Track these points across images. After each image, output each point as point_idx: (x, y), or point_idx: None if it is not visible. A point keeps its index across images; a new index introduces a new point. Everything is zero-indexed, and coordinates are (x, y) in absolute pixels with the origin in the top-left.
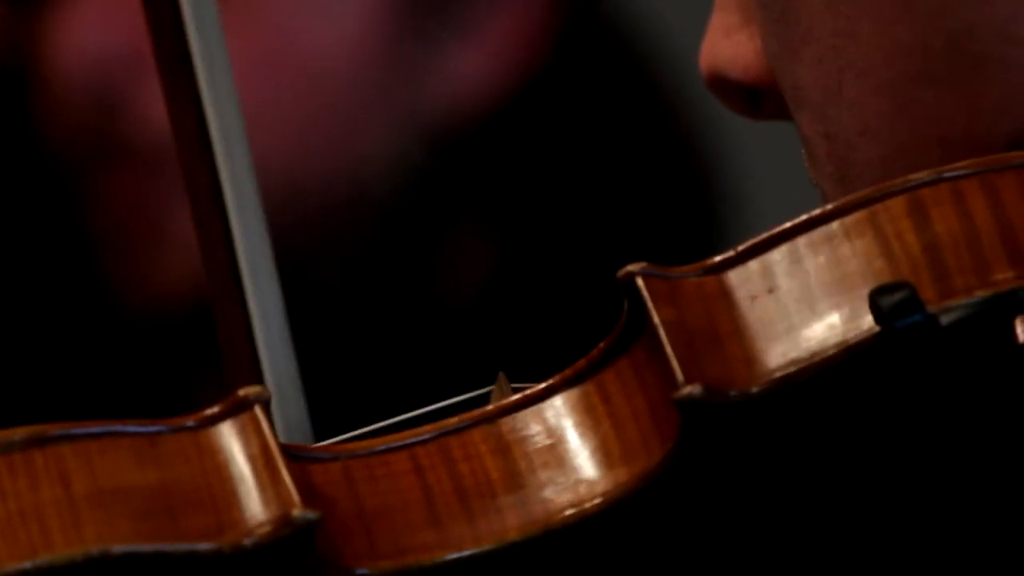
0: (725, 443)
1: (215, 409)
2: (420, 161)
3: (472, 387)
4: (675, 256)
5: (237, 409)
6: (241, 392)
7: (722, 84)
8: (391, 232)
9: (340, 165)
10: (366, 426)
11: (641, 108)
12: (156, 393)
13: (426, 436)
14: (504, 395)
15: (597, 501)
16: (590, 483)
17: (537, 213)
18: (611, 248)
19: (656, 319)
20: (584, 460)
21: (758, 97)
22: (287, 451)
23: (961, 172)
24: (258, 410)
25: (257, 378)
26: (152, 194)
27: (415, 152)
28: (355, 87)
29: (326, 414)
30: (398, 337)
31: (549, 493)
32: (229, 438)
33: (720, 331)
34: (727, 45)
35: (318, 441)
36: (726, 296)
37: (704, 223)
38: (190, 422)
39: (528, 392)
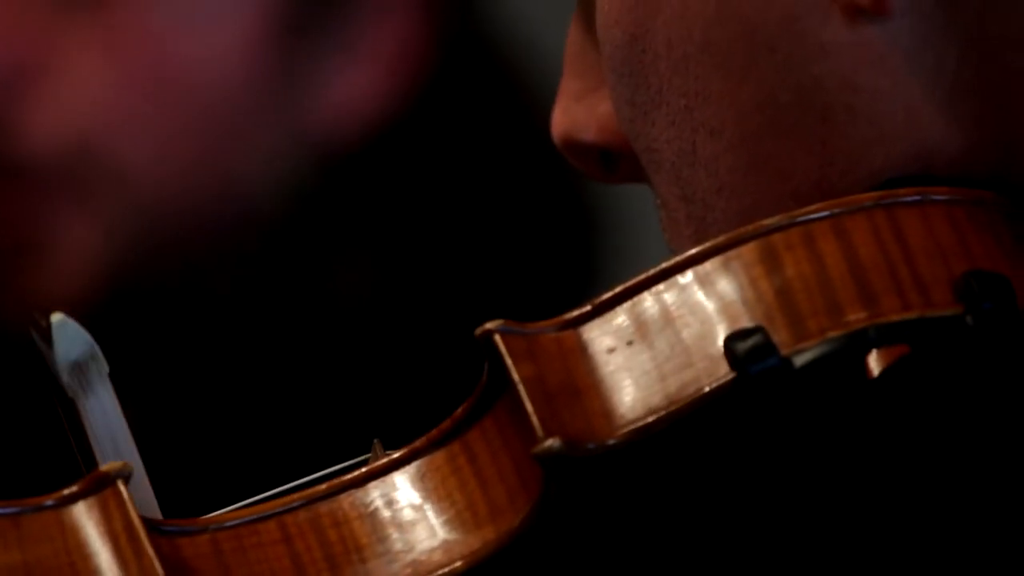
0: (591, 494)
1: (74, 488)
2: (302, 178)
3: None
4: (558, 277)
5: (98, 486)
6: (103, 468)
7: (576, 148)
8: (273, 249)
9: (218, 181)
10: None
11: (523, 125)
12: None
13: (295, 504)
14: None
15: (463, 562)
16: (458, 543)
17: (420, 231)
18: (494, 272)
19: (515, 376)
20: (452, 520)
21: (612, 159)
22: (153, 525)
23: (812, 216)
24: (120, 485)
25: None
26: (33, 211)
27: (297, 169)
28: (235, 103)
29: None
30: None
31: (418, 555)
32: (91, 515)
33: (579, 385)
34: (579, 109)
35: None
36: (584, 350)
37: (584, 239)
38: (49, 501)
39: (395, 456)
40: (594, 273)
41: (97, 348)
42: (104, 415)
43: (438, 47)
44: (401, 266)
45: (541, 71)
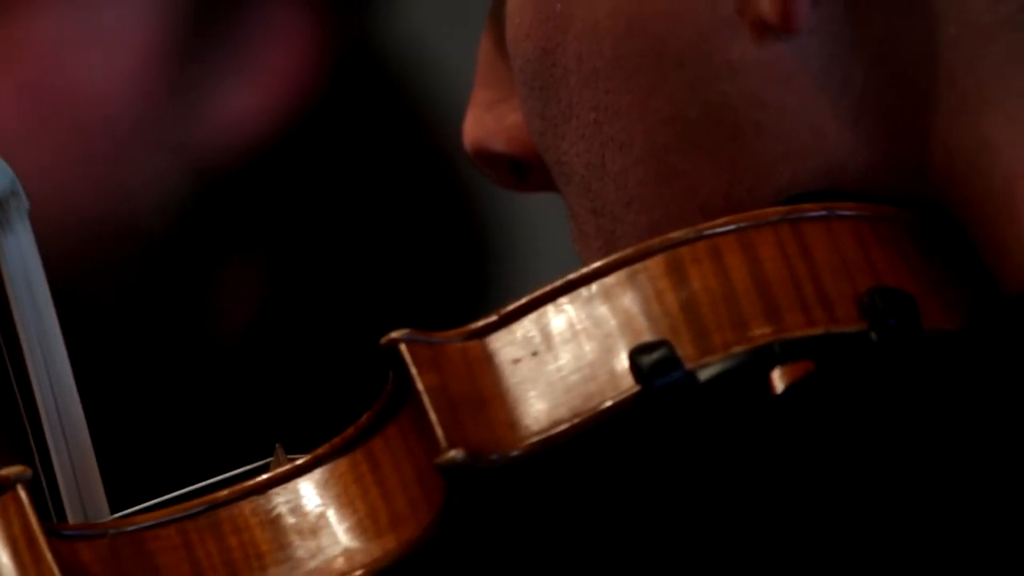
0: (494, 504)
1: None
2: (189, 195)
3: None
4: (449, 295)
5: None
6: (2, 472)
7: (486, 157)
8: (162, 267)
9: (108, 199)
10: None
11: (414, 145)
12: None
13: (196, 510)
14: (281, 467)
15: (363, 570)
16: (360, 551)
17: (312, 249)
18: (388, 287)
19: (420, 385)
20: (354, 528)
21: (523, 169)
22: (52, 530)
23: (719, 230)
24: (20, 490)
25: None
26: None
27: (184, 186)
28: (124, 121)
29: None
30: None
31: (319, 563)
32: None
33: (484, 395)
34: (490, 119)
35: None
36: (489, 360)
37: (475, 255)
38: None
39: (298, 463)
40: (485, 291)
41: (19, 184)
42: (21, 255)
43: (329, 66)
44: (294, 278)
45: (432, 89)
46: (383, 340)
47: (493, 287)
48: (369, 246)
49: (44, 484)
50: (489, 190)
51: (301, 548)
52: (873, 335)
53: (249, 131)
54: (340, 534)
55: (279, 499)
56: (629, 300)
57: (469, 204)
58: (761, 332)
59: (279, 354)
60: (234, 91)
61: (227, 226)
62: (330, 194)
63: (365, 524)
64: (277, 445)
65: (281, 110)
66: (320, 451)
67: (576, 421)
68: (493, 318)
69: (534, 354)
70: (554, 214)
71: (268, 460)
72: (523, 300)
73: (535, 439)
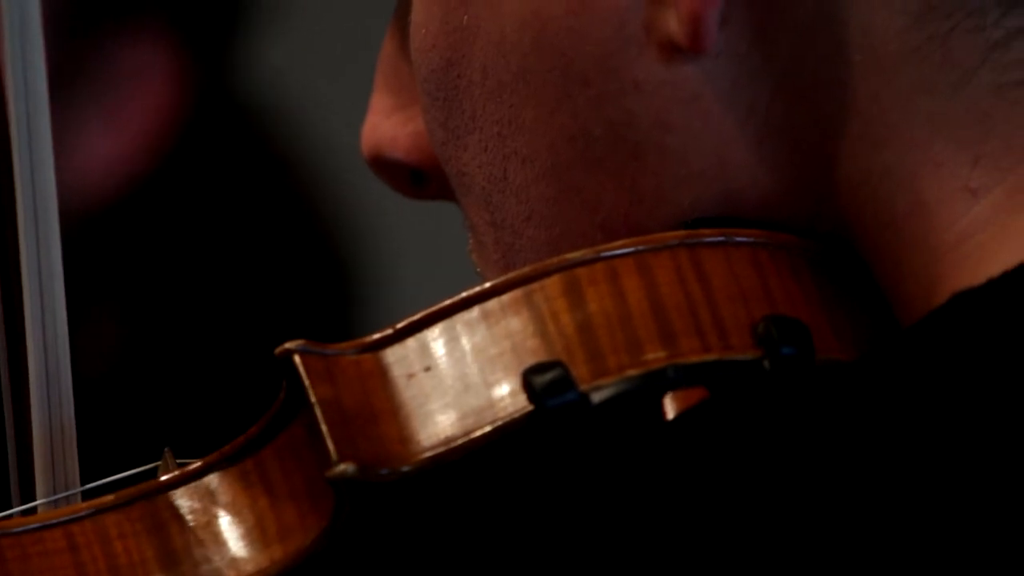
0: (384, 518)
1: None
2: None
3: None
4: (312, 330)
5: None
6: None
7: (384, 164)
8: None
9: None
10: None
11: (276, 185)
12: None
13: (82, 514)
14: (170, 471)
15: None
16: (247, 560)
17: (175, 290)
18: (256, 323)
19: (312, 397)
20: (242, 537)
21: (422, 178)
22: None
23: (617, 252)
24: None
25: None
26: None
27: None
28: None
29: None
30: None
31: (205, 572)
32: None
33: (377, 409)
34: (388, 126)
35: None
36: (383, 374)
37: (343, 296)
38: None
39: (187, 469)
40: (349, 322)
41: None
42: None
43: (191, 107)
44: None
45: (295, 127)
46: (278, 350)
47: (357, 319)
48: (237, 288)
49: None
50: (355, 230)
51: (186, 555)
52: (766, 363)
53: (109, 175)
54: (228, 543)
55: (165, 505)
56: (525, 319)
57: (330, 241)
58: (655, 356)
59: (158, 363)
60: (94, 138)
61: (87, 272)
62: (189, 238)
63: (254, 533)
64: (166, 449)
65: (140, 156)
66: (210, 458)
67: (467, 439)
68: (388, 331)
69: (427, 369)
70: (431, 231)
71: (156, 464)
72: (419, 315)
73: (426, 455)
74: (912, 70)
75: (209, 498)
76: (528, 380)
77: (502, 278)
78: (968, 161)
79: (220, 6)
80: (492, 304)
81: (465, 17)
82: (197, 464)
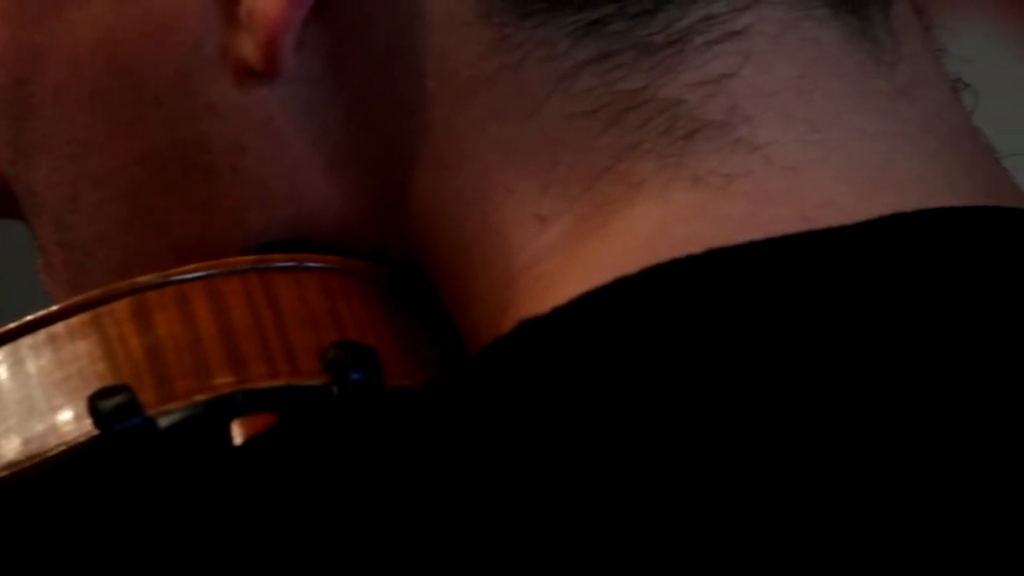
0: None
1: None
2: None
3: None
4: None
5: None
6: None
7: None
8: None
9: None
10: None
11: None
12: None
13: None
14: None
15: None
16: None
17: None
18: None
19: None
20: None
21: None
22: None
23: (187, 276)
24: None
25: None
26: None
27: None
28: None
29: None
30: None
31: None
32: None
33: None
34: None
35: None
36: None
37: None
38: None
39: None
40: None
41: None
42: None
43: None
44: None
45: None
46: None
47: None
48: None
49: None
50: None
51: None
52: (335, 389)
53: None
54: None
55: None
56: (93, 343)
57: None
58: (224, 381)
59: None
60: None
61: None
62: None
63: None
64: None
65: None
66: None
67: (32, 463)
68: None
69: None
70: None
71: None
72: None
73: None
74: (485, 98)
75: None
76: (94, 405)
77: (70, 300)
78: (538, 188)
79: None
80: (59, 327)
81: (37, 36)
82: None
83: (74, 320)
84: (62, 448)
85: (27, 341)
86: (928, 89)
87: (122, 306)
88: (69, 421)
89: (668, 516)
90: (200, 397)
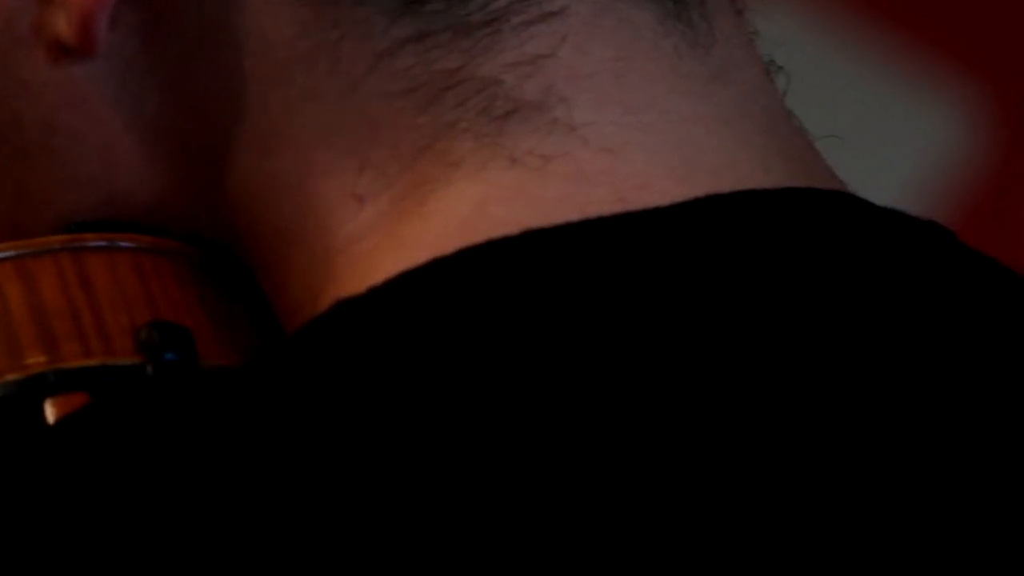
0: None
1: None
2: None
3: None
4: None
5: None
6: None
7: None
8: None
9: None
10: None
11: None
12: None
13: None
14: None
15: None
16: None
17: None
18: None
19: None
20: None
21: None
22: None
23: None
24: None
25: None
26: None
27: None
28: None
29: None
30: None
31: None
32: None
33: None
34: None
35: None
36: None
37: None
38: None
39: None
40: None
41: None
42: None
43: None
44: None
45: None
46: None
47: None
48: None
49: None
50: None
51: None
52: (149, 368)
53: None
54: None
55: None
56: None
57: None
58: (36, 361)
59: None
60: None
61: None
62: None
63: None
64: None
65: None
66: None
67: None
68: None
69: None
70: None
71: None
72: None
73: None
74: (301, 78)
75: None
76: None
77: None
78: (356, 168)
79: None
80: None
81: None
82: None
83: None
84: None
85: None
86: (742, 72)
87: None
88: None
89: (468, 498)
90: (12, 376)
